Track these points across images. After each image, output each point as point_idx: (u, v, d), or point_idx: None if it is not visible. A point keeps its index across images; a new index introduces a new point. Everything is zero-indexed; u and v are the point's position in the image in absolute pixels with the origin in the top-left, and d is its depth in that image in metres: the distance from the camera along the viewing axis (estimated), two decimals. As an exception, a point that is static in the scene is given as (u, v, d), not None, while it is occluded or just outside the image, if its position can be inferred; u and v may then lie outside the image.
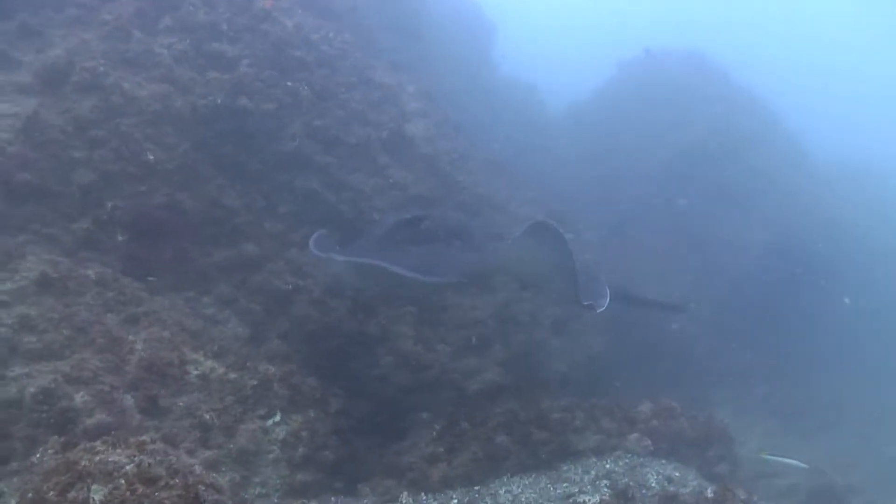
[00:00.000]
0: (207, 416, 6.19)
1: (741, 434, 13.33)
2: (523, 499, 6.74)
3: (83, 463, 4.54)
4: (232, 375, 6.54)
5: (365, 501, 6.73)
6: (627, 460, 7.61)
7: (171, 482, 4.22)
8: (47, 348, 6.28)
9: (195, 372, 6.42)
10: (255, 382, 6.58)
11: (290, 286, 8.82)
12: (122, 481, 4.03)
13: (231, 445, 6.14)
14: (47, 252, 7.45)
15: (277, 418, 6.51)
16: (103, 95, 8.25)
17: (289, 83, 9.47)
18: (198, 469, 4.39)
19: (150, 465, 4.36)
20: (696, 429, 8.53)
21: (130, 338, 6.45)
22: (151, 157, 8.22)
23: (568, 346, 11.86)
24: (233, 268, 8.64)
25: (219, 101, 8.84)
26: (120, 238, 7.95)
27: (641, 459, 7.67)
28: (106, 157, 8.02)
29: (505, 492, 6.87)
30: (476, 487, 7.02)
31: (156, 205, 8.19)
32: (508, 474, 7.15)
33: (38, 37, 8.85)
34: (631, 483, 7.10)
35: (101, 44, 8.71)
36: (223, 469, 6.02)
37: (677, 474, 7.44)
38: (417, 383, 9.20)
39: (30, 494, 4.16)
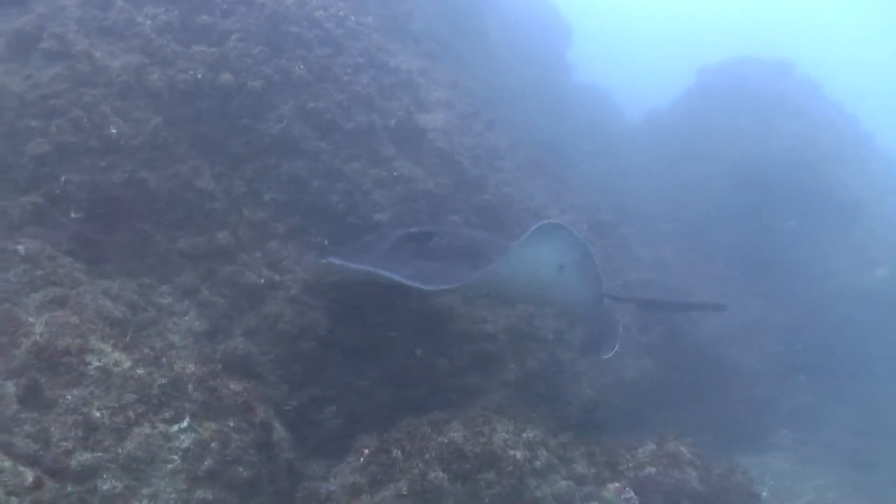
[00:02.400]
0: (98, 414, 5.40)
1: (799, 484, 11.85)
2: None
3: None
4: (139, 371, 5.72)
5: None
6: (599, 517, 6.19)
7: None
8: (-60, 326, 5.69)
9: (96, 363, 5.63)
10: (165, 381, 5.76)
11: (263, 280, 8.04)
12: None
13: (119, 450, 5.33)
14: (-6, 226, 6.96)
15: (184, 424, 5.66)
16: (69, 63, 7.71)
17: (281, 61, 8.72)
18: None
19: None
20: (707, 482, 7.03)
21: (30, 319, 5.76)
22: (114, 131, 7.60)
23: (599, 369, 10.72)
24: (200, 256, 7.91)
25: (199, 76, 8.17)
26: (73, 215, 7.34)
27: (619, 518, 6.27)
28: (64, 128, 7.43)
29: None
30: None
31: (115, 182, 7.54)
32: (440, 519, 5.89)
33: (22, 4, 8.39)
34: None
35: (78, 10, 8.17)
36: (104, 476, 5.22)
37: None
38: (403, 401, 8.27)
39: None
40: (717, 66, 19.39)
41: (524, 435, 6.22)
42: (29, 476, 4.73)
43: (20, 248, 6.66)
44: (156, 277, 7.62)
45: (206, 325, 7.61)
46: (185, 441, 5.60)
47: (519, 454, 5.98)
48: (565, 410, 9.75)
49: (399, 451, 5.82)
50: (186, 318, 7.56)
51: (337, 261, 7.63)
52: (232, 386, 6.13)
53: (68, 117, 7.48)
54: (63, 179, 7.33)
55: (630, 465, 6.84)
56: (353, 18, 9.90)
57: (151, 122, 7.89)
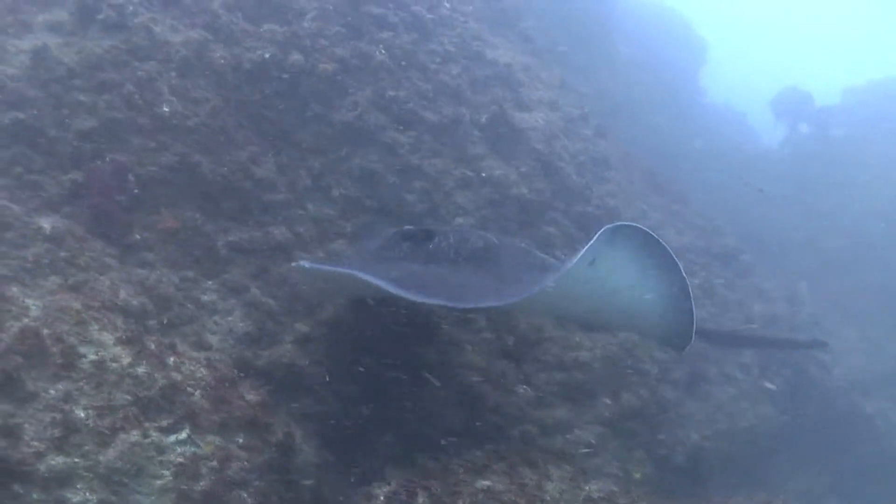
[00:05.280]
0: (81, 414, 4.61)
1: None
2: None
3: None
4: (140, 369, 4.92)
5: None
6: None
7: None
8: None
9: (90, 357, 4.87)
10: (166, 383, 4.92)
11: (321, 283, 7.18)
12: None
13: (100, 457, 4.51)
14: (28, 201, 6.39)
15: (182, 435, 4.80)
16: (126, 36, 7.14)
17: (361, 44, 7.92)
18: None
19: None
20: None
21: (26, 301, 5.07)
22: (167, 109, 6.95)
23: (708, 410, 9.40)
24: (253, 252, 7.12)
25: (267, 55, 7.46)
26: (115, 198, 6.72)
27: None
28: (113, 104, 6.84)
29: None
30: None
31: (164, 164, 6.89)
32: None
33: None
34: None
35: (144, -18, 7.66)
36: (78, 486, 4.40)
37: None
38: (473, 429, 7.20)
39: None
40: (863, 87, 17.69)
41: (586, 487, 4.97)
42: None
43: (46, 226, 6.04)
44: (200, 271, 6.88)
45: (251, 327, 6.78)
46: (181, 455, 4.74)
47: (576, 507, 4.78)
48: (666, 456, 8.50)
49: (426, 497, 4.70)
50: (230, 318, 6.77)
51: (307, 264, 6.50)
52: (248, 397, 5.25)
53: (119, 92, 6.89)
54: (108, 159, 6.72)
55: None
56: (447, 4, 9.02)
57: (210, 103, 7.21)
